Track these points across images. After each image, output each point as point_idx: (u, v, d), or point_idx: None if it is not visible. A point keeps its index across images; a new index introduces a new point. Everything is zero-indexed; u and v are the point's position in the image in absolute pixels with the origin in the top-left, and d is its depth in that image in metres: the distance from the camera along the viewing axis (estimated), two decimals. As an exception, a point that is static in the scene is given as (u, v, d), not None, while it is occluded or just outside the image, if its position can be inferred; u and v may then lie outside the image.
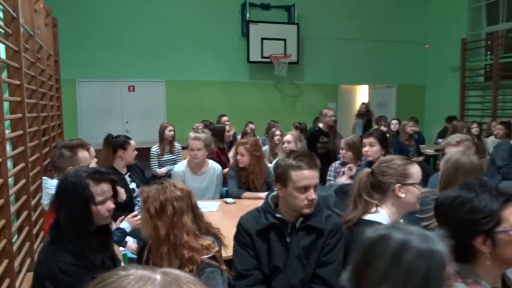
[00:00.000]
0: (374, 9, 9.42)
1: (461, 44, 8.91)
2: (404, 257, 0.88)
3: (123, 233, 2.39)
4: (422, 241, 0.91)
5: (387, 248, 0.90)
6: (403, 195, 1.85)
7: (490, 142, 6.37)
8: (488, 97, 8.55)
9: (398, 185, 1.86)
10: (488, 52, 8.89)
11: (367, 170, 1.99)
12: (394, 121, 7.24)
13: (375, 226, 1.73)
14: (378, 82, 9.79)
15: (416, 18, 9.79)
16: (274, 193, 2.02)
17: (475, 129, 6.49)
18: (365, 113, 8.71)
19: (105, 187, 1.73)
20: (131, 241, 2.60)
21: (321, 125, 5.45)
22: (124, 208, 3.06)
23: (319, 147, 5.28)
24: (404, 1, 9.68)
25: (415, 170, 1.90)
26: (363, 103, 8.95)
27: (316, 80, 9.25)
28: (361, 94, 10.39)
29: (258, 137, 6.75)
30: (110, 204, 1.74)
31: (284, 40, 8.68)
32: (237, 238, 1.99)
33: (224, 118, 6.68)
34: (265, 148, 5.98)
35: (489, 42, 8.82)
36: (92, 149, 2.76)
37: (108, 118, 8.06)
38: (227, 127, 5.09)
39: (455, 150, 2.80)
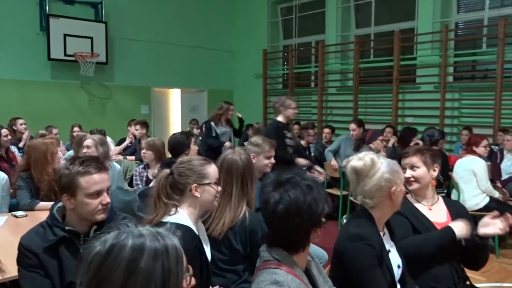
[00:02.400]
0: (184, 16, 9.62)
1: (262, 54, 9.82)
2: (140, 262, 0.84)
3: None
4: (155, 240, 0.88)
5: (121, 258, 0.84)
6: (199, 195, 1.88)
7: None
8: (286, 103, 9.61)
9: (194, 185, 1.88)
10: (285, 63, 10.01)
11: (167, 171, 1.96)
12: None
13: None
14: (190, 86, 10.04)
15: (223, 28, 10.37)
16: (60, 204, 1.83)
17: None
18: None
19: None
20: None
21: (280, 118, 4.43)
22: None
23: (289, 144, 4.43)
24: (212, 11, 10.14)
25: (212, 170, 1.94)
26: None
27: (128, 82, 8.95)
28: (174, 98, 10.50)
29: (61, 142, 6.24)
30: None
31: (91, 38, 8.15)
32: (21, 261, 1.73)
33: (20, 121, 5.96)
34: (70, 153, 5.52)
35: (285, 54, 9.95)
36: None
37: None
38: (4, 131, 4.40)
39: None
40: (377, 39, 8.40)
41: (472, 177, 4.29)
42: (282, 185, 1.35)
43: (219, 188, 1.97)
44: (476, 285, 3.16)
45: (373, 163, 1.75)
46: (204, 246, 1.92)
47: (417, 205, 2.17)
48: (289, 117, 4.51)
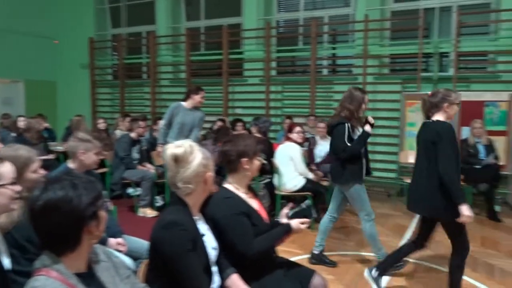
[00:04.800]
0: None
1: (89, 43, 9.16)
2: None
3: None
4: None
5: None
6: None
7: (119, 135, 6.85)
8: (117, 95, 9.19)
9: None
10: (114, 53, 9.52)
11: None
12: (21, 118, 6.71)
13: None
14: (2, 76, 8.78)
15: (45, 12, 9.34)
16: None
17: (102, 124, 6.83)
18: None
19: None
20: None
21: (442, 117, 3.00)
22: None
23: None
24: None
25: (5, 170, 1.71)
26: None
27: None
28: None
29: None
30: None
31: None
32: None
33: None
34: None
35: (114, 43, 9.45)
36: None
37: None
38: None
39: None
40: (207, 33, 8.58)
41: (290, 161, 4.72)
42: (48, 183, 1.28)
43: (18, 188, 1.74)
44: (293, 258, 3.49)
45: (192, 149, 1.78)
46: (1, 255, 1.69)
47: (242, 195, 2.20)
48: (451, 116, 3.10)
